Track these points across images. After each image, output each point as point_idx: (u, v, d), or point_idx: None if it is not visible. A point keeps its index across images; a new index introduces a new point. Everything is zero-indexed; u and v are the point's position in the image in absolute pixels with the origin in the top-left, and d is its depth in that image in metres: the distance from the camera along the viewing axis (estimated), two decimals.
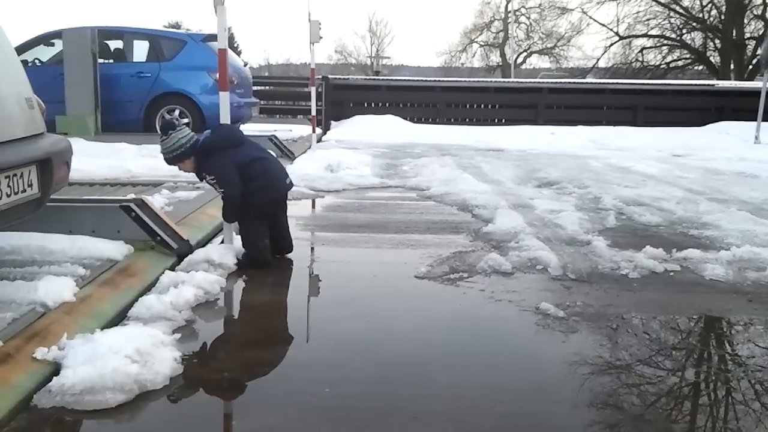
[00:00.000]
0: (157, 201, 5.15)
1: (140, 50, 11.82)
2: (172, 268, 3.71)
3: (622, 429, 2.30)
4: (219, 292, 3.44)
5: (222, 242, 4.17)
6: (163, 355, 2.52)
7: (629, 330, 3.16)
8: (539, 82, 18.95)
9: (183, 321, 3.01)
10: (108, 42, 11.66)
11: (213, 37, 9.39)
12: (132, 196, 4.41)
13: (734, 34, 29.53)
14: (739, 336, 3.22)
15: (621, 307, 3.42)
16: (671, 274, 4.02)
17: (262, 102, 16.55)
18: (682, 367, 2.82)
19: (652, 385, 2.61)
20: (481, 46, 46.63)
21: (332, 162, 8.23)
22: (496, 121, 17.19)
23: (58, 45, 10.92)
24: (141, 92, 11.25)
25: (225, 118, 4.18)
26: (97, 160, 7.28)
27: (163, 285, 3.35)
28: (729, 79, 27.54)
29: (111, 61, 11.58)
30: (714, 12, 30.48)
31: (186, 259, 3.84)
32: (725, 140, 13.05)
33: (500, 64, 44.68)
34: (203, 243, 4.33)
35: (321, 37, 10.88)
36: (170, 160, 3.99)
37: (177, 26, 35.93)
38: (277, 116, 18.87)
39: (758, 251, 4.36)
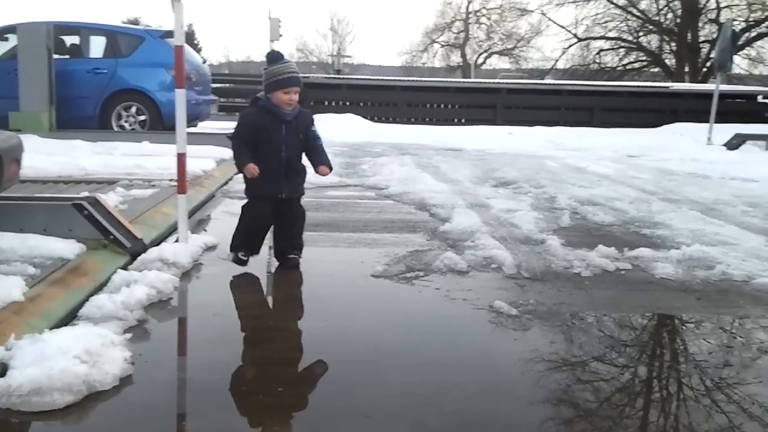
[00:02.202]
0: (111, 199, 5.08)
1: (97, 46, 11.67)
2: (124, 267, 3.66)
3: (575, 425, 2.33)
4: (172, 292, 3.41)
5: (176, 241, 4.13)
6: (112, 356, 2.48)
7: (581, 327, 3.21)
8: (498, 83, 19.15)
9: (135, 321, 2.97)
10: (64, 37, 11.49)
11: (171, 34, 9.27)
12: (85, 194, 4.35)
13: (689, 38, 30.12)
14: (688, 333, 3.30)
15: (573, 305, 3.48)
16: (623, 272, 4.09)
17: (222, 99, 16.46)
18: (633, 363, 2.86)
19: (603, 381, 2.66)
20: (443, 46, 46.84)
21: None
22: (455, 120, 17.31)
23: (12, 40, 10.74)
24: (97, 89, 11.10)
25: (181, 115, 4.14)
26: (51, 157, 7.15)
27: (115, 284, 3.30)
28: (684, 81, 28.09)
29: (67, 56, 11.39)
30: (670, 15, 31.05)
31: (139, 258, 3.79)
32: (679, 141, 13.31)
33: (461, 64, 44.91)
34: (158, 242, 4.28)
35: (281, 35, 10.89)
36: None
37: (136, 22, 35.49)
38: (237, 114, 18.72)
39: (707, 250, 4.46)
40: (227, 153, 8.51)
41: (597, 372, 2.74)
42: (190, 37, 42.29)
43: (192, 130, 11.71)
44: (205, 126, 13.16)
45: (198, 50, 31.50)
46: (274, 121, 3.83)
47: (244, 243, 3.98)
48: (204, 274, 3.87)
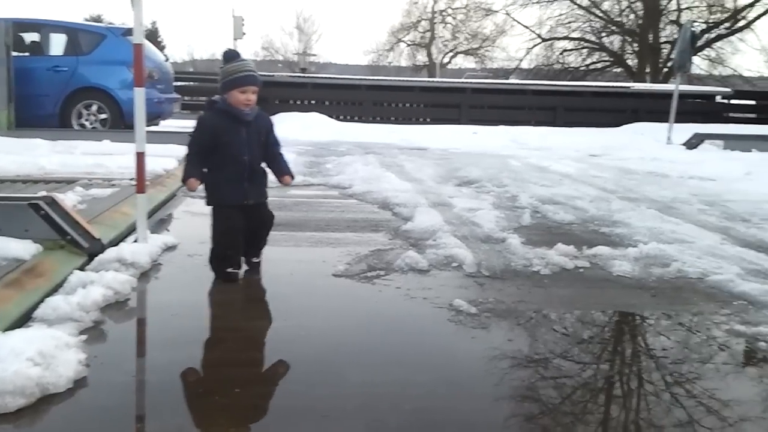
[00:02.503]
0: (69, 198, 5.03)
1: (57, 43, 11.51)
2: (82, 268, 3.62)
3: (534, 422, 2.36)
4: (130, 292, 3.37)
5: (135, 241, 4.09)
6: (67, 358, 2.45)
7: (539, 325, 3.24)
8: (463, 82, 19.25)
9: (90, 322, 2.94)
10: (23, 34, 11.30)
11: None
12: (42, 193, 4.28)
13: (650, 39, 30.59)
14: (643, 330, 3.35)
15: (531, 303, 3.52)
16: (581, 270, 4.15)
17: (186, 98, 16.30)
18: (590, 360, 2.90)
19: (562, 378, 2.69)
20: (408, 45, 46.93)
21: None
22: (421, 120, 17.38)
23: None
24: (57, 86, 10.95)
25: (140, 114, 4.10)
26: (9, 156, 7.04)
27: (71, 285, 3.26)
28: (645, 81, 28.53)
29: (26, 54, 11.21)
30: (632, 16, 31.51)
31: (97, 259, 3.75)
32: (640, 141, 13.52)
33: (427, 63, 45.06)
34: (116, 242, 4.23)
35: (244, 33, 10.88)
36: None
37: (98, 20, 34.98)
38: (201, 112, 18.58)
39: (664, 248, 4.55)
40: None
41: (555, 369, 2.77)
42: (153, 35, 41.89)
43: (154, 128, 11.62)
44: (167, 124, 13.04)
45: (161, 48, 31.14)
46: (233, 123, 3.68)
47: (225, 257, 3.75)
48: (163, 274, 3.84)
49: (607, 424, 2.38)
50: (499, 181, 7.54)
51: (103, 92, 10.98)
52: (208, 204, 3.78)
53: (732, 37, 30.11)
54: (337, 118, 16.38)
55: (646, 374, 2.77)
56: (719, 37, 30.12)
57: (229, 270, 3.74)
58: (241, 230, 3.76)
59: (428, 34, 45.21)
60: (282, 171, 3.88)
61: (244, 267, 3.87)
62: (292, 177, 3.92)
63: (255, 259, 3.94)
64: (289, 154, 9.45)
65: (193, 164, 3.67)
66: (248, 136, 3.71)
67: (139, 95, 4.08)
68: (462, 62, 46.74)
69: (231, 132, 3.67)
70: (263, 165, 3.85)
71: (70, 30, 11.38)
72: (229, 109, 3.69)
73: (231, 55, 3.78)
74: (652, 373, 2.78)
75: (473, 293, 3.63)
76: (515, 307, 3.45)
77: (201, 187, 3.71)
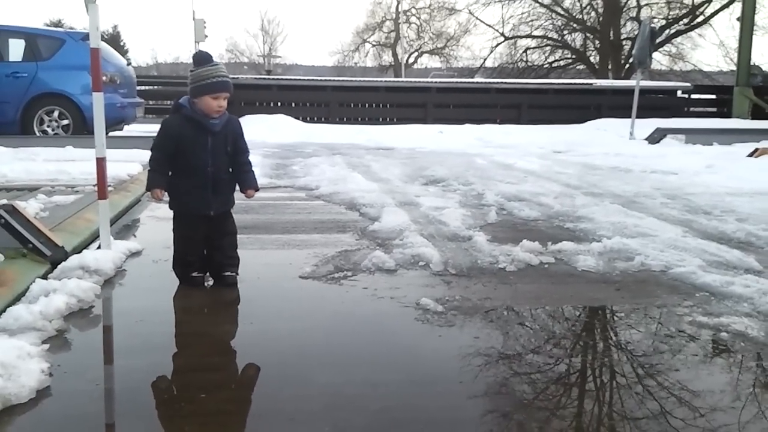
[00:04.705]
0: (31, 206, 4.96)
1: (16, 49, 11.32)
2: (44, 276, 3.57)
3: (499, 418, 2.38)
4: (94, 300, 3.33)
5: (99, 248, 4.04)
6: (29, 367, 2.42)
7: (505, 322, 3.27)
8: (428, 82, 19.31)
9: (53, 331, 2.90)
10: None
11: None
12: (3, 201, 4.22)
13: (611, 35, 30.97)
14: (608, 324, 3.40)
15: (497, 300, 3.55)
16: (546, 266, 4.19)
17: (150, 102, 16.16)
18: (556, 355, 2.93)
19: (527, 374, 2.71)
20: (374, 45, 47.02)
21: None
22: (387, 120, 17.41)
23: None
24: (17, 93, 10.79)
25: (99, 119, 4.05)
26: None
27: (33, 294, 3.21)
28: (608, 77, 28.87)
29: None
30: (593, 14, 31.87)
31: (59, 267, 3.70)
32: (603, 136, 13.69)
33: (392, 63, 45.12)
34: (80, 249, 4.18)
35: (206, 36, 10.80)
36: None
37: (59, 24, 34.50)
38: (167, 116, 18.44)
39: (627, 242, 4.61)
40: None
41: (521, 365, 2.80)
42: (115, 39, 41.37)
43: (118, 133, 11.50)
44: (131, 129, 12.91)
45: (124, 52, 30.82)
46: (199, 133, 3.53)
47: (188, 263, 3.69)
48: (128, 280, 3.80)
49: (575, 418, 2.41)
50: (465, 179, 7.59)
51: (65, 98, 10.85)
52: (171, 208, 3.69)
53: (691, 33, 30.68)
54: (304, 120, 16.35)
55: (612, 368, 2.81)
56: (679, 33, 30.63)
57: (194, 274, 3.69)
58: (202, 236, 3.68)
59: (393, 35, 45.31)
60: (246, 184, 3.75)
61: (210, 279, 3.78)
62: (257, 190, 3.80)
63: (227, 273, 3.73)
64: (255, 157, 9.42)
65: (157, 171, 3.58)
66: (214, 145, 3.57)
67: (98, 100, 4.04)
68: (427, 62, 46.95)
69: (195, 142, 3.54)
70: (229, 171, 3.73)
71: (29, 35, 11.22)
72: (195, 116, 3.54)
73: (202, 58, 3.61)
74: (618, 366, 2.82)
75: (440, 292, 3.65)
76: (481, 304, 3.48)
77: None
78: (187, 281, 3.69)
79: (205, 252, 3.75)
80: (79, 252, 3.98)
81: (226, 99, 3.56)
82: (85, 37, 10.87)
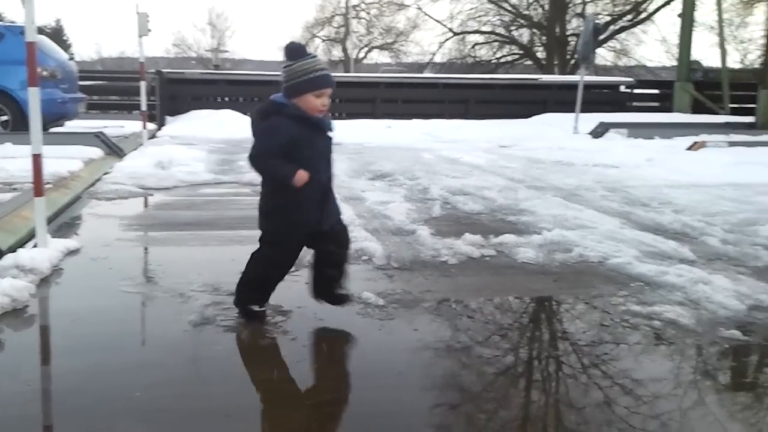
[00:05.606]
0: None
1: None
2: None
3: (438, 408, 2.42)
4: (28, 299, 3.27)
5: (35, 246, 3.96)
6: None
7: (445, 314, 3.31)
8: (377, 77, 19.33)
9: None
10: None
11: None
12: None
13: (557, 31, 31.40)
14: (545, 314, 3.48)
15: (438, 293, 3.59)
16: (487, 258, 4.26)
17: (94, 97, 15.84)
18: (494, 345, 2.98)
19: (467, 365, 2.76)
20: (324, 40, 46.75)
21: (164, 159, 8.02)
22: (335, 115, 17.32)
23: None
24: None
25: (36, 115, 3.97)
26: None
27: None
28: (554, 73, 29.26)
29: None
30: (540, 10, 32.25)
31: None
32: (548, 131, 13.86)
33: (343, 59, 44.99)
34: (16, 248, 4.09)
35: (150, 30, 10.50)
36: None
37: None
38: (112, 112, 18.14)
39: (567, 234, 4.70)
40: (96, 153, 8.23)
41: (460, 356, 2.84)
42: (58, 33, 40.39)
43: (58, 129, 11.24)
44: (73, 125, 12.62)
45: (67, 47, 30.15)
46: (315, 134, 3.02)
47: (261, 296, 3.23)
48: (64, 279, 3.73)
49: (513, 407, 2.46)
50: (412, 174, 7.63)
51: (3, 93, 10.54)
52: (262, 229, 3.16)
53: (635, 29, 31.20)
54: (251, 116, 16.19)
55: (548, 357, 2.88)
56: (623, 29, 31.16)
57: (257, 309, 3.23)
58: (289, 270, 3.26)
59: (343, 30, 45.15)
60: None
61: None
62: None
63: (342, 292, 3.28)
64: (200, 152, 9.37)
65: (284, 164, 2.95)
66: (327, 149, 3.11)
67: (33, 95, 3.96)
68: (377, 57, 46.89)
69: (312, 145, 3.01)
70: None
71: None
72: (304, 114, 2.99)
73: (298, 51, 3.06)
74: (554, 355, 2.88)
75: (382, 285, 3.68)
76: (422, 297, 3.52)
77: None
78: (245, 312, 3.21)
79: (315, 277, 3.28)
80: (15, 251, 3.90)
81: (329, 96, 3.05)
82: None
